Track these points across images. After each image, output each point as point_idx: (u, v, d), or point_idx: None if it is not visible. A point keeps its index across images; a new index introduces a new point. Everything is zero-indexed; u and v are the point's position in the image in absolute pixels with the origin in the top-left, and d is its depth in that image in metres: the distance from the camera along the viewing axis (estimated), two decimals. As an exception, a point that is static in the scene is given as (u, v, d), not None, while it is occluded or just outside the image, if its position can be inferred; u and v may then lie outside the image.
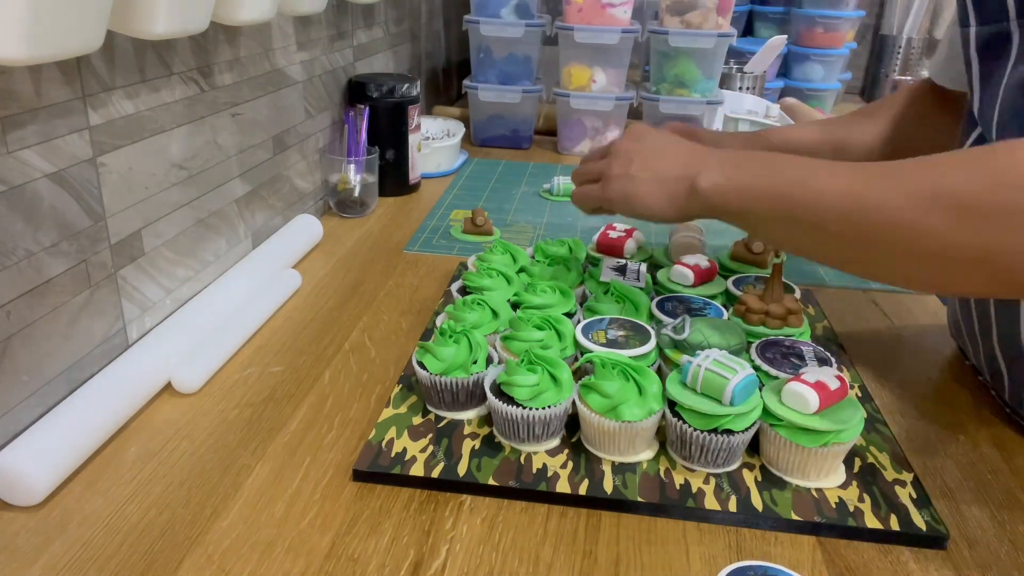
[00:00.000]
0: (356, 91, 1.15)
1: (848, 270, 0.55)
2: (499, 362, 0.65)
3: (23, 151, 0.56)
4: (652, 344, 0.65)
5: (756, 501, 0.55)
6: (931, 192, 0.47)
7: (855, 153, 0.83)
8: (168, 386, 0.67)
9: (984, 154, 0.47)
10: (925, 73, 2.13)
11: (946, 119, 0.77)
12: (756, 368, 0.63)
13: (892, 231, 0.49)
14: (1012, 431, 0.66)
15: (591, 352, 0.63)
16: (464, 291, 0.78)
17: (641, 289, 0.77)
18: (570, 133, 1.49)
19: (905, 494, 0.56)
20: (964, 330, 0.71)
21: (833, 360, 0.64)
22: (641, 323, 0.69)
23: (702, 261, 0.82)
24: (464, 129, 1.42)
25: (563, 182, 1.21)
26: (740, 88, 1.72)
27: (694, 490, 0.56)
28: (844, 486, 0.56)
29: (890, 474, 0.58)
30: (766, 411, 0.57)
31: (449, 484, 0.56)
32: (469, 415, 0.63)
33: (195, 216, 0.79)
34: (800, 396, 0.55)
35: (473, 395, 0.63)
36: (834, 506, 0.54)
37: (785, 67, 2.08)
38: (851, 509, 0.54)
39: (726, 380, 0.55)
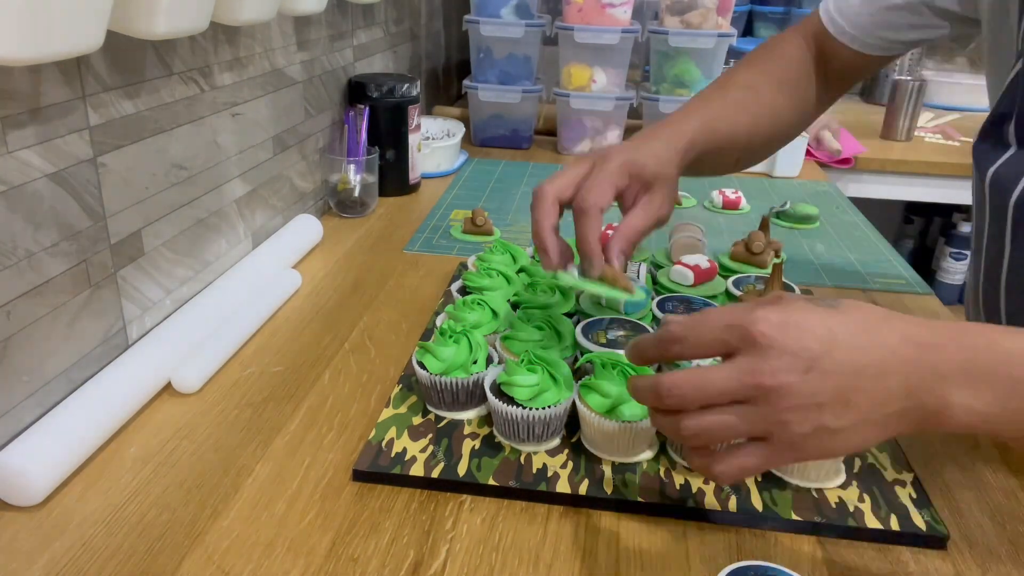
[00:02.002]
0: (356, 91, 1.15)
1: None
2: (499, 362, 0.65)
3: (23, 151, 0.56)
4: (652, 344, 0.65)
5: (756, 501, 0.55)
6: None
7: (778, 128, 0.80)
8: (168, 386, 0.67)
9: None
10: (927, 73, 2.12)
11: (832, 71, 0.81)
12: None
13: None
14: (1012, 431, 0.66)
15: (591, 352, 0.63)
16: (464, 291, 0.78)
17: (642, 288, 0.77)
18: (570, 133, 1.49)
19: (905, 494, 0.56)
20: None
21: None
22: (641, 323, 0.69)
23: (702, 261, 0.82)
24: (464, 129, 1.42)
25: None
26: (740, 88, 1.72)
27: (694, 490, 0.56)
28: (844, 486, 0.56)
29: (890, 474, 0.58)
30: (766, 411, 0.57)
31: (449, 484, 0.56)
32: (469, 415, 0.63)
33: (195, 216, 0.79)
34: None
35: (473, 395, 0.63)
36: (834, 506, 0.54)
37: (785, 67, 2.07)
38: (851, 509, 0.54)
39: (726, 380, 0.55)
